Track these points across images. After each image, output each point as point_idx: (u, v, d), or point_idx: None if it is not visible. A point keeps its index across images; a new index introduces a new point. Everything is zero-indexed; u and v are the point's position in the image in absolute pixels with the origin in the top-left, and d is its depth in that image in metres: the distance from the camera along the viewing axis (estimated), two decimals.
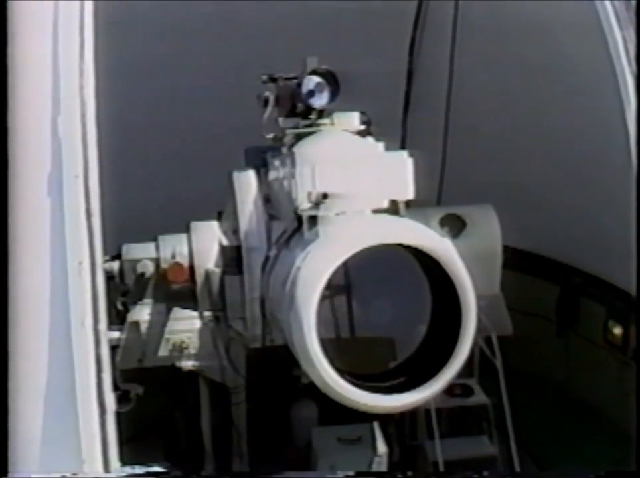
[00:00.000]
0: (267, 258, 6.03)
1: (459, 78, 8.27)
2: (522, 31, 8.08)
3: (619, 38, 5.96)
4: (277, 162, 5.93)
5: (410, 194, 5.59)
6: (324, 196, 5.24)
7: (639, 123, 5.83)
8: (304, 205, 5.38)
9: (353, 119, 5.91)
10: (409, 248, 4.90)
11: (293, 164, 5.55)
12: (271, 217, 6.17)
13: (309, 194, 5.36)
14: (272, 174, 6.01)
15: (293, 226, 5.62)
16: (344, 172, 5.44)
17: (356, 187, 5.33)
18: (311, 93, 5.72)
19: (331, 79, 5.71)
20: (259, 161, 6.21)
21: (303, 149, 5.69)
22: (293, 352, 5.07)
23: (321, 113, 5.84)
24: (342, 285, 4.97)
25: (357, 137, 5.80)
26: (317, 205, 5.25)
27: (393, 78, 9.62)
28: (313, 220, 5.23)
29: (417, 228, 5.10)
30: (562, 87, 8.14)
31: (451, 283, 4.84)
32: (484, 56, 8.73)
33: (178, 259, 6.28)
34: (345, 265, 4.82)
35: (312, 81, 5.71)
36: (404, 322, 5.11)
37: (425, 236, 5.02)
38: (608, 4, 6.03)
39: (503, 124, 9.11)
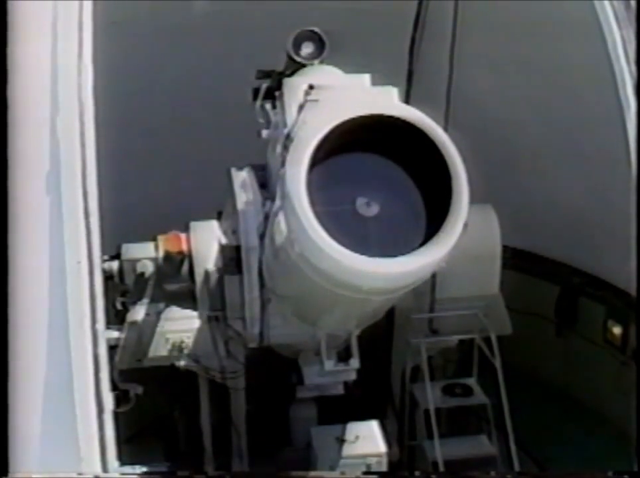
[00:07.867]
0: (265, 216, 5.84)
1: (459, 78, 8.25)
2: (522, 31, 8.09)
3: (618, 39, 5.96)
4: (267, 106, 5.96)
5: None
6: (311, 87, 5.23)
7: (638, 124, 5.83)
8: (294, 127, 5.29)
9: None
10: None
11: (282, 95, 5.57)
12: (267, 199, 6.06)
13: (299, 106, 5.27)
14: (264, 133, 5.96)
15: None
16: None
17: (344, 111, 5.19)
18: (298, 46, 5.91)
19: (316, 35, 5.92)
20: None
21: (291, 80, 5.73)
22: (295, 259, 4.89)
23: None
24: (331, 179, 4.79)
25: (343, 73, 5.84)
26: (305, 97, 5.22)
27: (393, 78, 9.60)
28: None
29: (398, 104, 5.14)
30: (562, 87, 8.14)
31: (437, 167, 4.85)
32: (484, 56, 8.74)
33: None
34: (331, 164, 4.70)
35: (299, 36, 5.91)
36: (398, 213, 4.99)
37: (404, 108, 4.96)
38: (607, 4, 6.04)
39: (503, 124, 9.10)
